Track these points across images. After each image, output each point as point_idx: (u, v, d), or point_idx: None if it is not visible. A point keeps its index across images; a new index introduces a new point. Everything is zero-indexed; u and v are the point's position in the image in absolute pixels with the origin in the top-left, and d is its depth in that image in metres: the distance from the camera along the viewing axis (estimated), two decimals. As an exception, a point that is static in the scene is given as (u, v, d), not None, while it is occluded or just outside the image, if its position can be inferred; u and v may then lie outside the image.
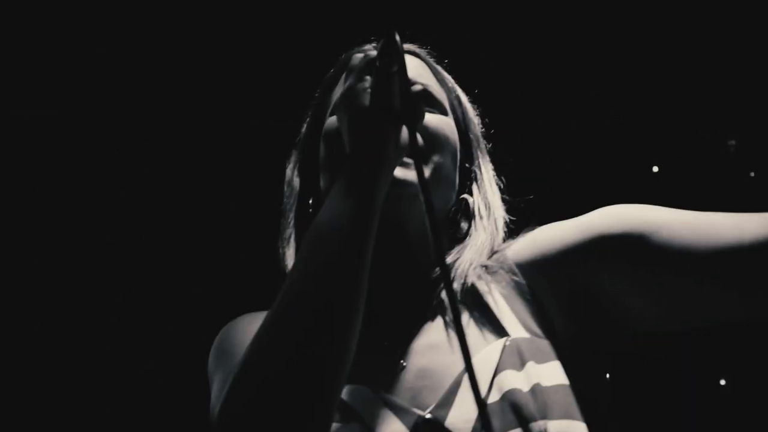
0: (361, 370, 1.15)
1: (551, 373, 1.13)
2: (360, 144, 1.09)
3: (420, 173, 1.00)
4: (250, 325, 1.18)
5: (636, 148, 3.79)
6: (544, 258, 1.25)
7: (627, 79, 3.63)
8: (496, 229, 1.35)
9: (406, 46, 1.39)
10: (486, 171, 1.40)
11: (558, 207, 1.32)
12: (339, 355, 1.01)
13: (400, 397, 1.16)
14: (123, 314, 3.97)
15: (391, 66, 1.08)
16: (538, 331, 1.19)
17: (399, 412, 1.13)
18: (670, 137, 3.75)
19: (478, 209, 1.35)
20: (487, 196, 1.37)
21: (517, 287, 1.24)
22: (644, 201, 1.22)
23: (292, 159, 1.42)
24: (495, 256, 1.31)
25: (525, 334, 1.18)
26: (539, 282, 1.24)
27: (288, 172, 1.41)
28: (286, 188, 1.40)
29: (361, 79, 1.10)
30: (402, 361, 1.20)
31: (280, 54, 3.49)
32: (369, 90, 1.09)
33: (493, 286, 1.25)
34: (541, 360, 1.14)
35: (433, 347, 1.21)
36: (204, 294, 3.85)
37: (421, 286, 1.28)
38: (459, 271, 1.26)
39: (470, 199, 1.35)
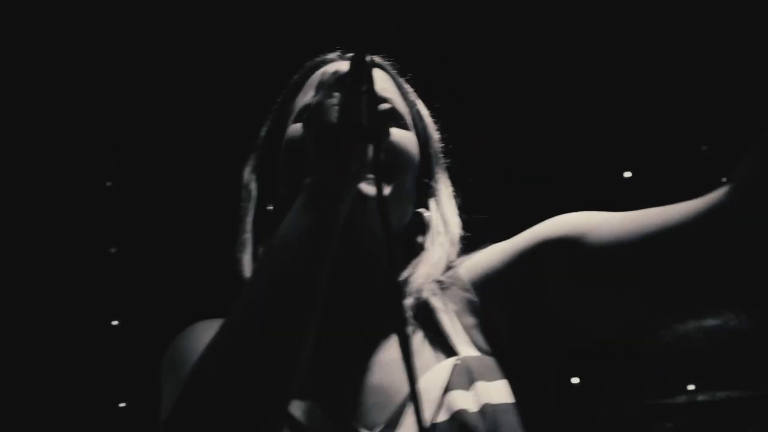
0: (314, 386, 1.16)
1: (499, 392, 1.13)
2: (325, 160, 1.10)
3: (380, 193, 1.02)
4: (205, 333, 1.19)
5: (602, 157, 3.75)
6: (492, 273, 1.25)
7: (589, 93, 3.60)
8: (452, 244, 1.35)
9: (375, 58, 1.39)
10: (444, 187, 1.40)
11: (516, 224, 1.32)
12: (290, 370, 1.02)
13: (349, 415, 1.16)
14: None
15: (360, 85, 1.09)
16: (487, 348, 1.19)
17: (346, 430, 1.14)
18: (639, 144, 3.70)
19: (435, 224, 1.35)
20: (444, 212, 1.37)
21: (469, 304, 1.25)
22: (611, 209, 1.21)
23: (250, 163, 1.42)
24: (449, 273, 1.31)
25: (475, 353, 1.18)
26: (489, 298, 1.24)
27: (245, 175, 1.41)
28: (242, 192, 1.40)
29: (330, 95, 1.11)
30: (354, 378, 1.20)
31: (241, 59, 3.54)
32: (337, 107, 1.10)
33: (445, 302, 1.25)
34: (489, 378, 1.14)
35: (386, 365, 1.21)
36: (161, 299, 3.88)
37: (377, 302, 1.28)
38: (413, 286, 1.27)
39: (427, 214, 1.36)
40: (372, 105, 1.08)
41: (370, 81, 1.08)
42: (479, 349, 1.19)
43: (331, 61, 1.41)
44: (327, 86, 1.13)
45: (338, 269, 1.12)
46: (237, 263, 1.35)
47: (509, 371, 1.17)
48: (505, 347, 1.20)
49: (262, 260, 1.11)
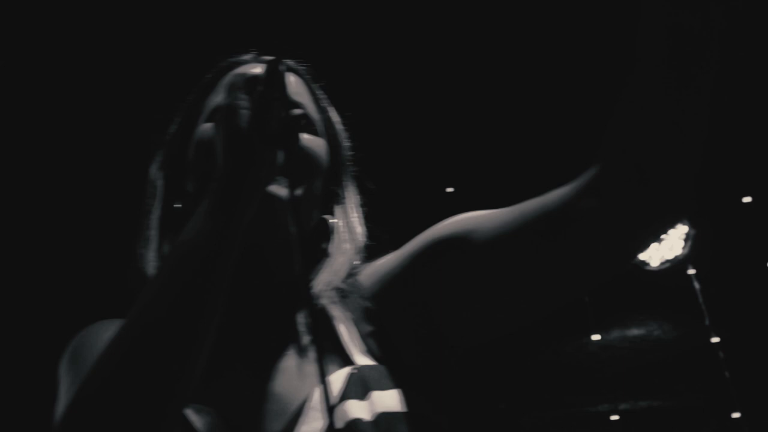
0: (213, 393, 1.15)
1: (393, 402, 1.13)
2: (233, 164, 1.09)
3: (293, 197, 1.03)
4: (104, 333, 1.18)
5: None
6: (387, 279, 1.27)
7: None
8: (355, 252, 1.35)
9: (286, 62, 1.39)
10: (350, 194, 1.40)
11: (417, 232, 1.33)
12: (185, 374, 1.00)
13: (246, 422, 1.15)
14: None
15: (273, 92, 1.09)
16: (382, 357, 1.20)
17: None
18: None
19: (339, 231, 1.35)
20: (349, 219, 1.37)
21: (367, 312, 1.26)
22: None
23: (157, 160, 1.41)
24: (349, 280, 1.31)
25: (370, 362, 1.18)
26: (385, 304, 1.25)
27: (152, 172, 1.40)
28: (149, 189, 1.39)
29: (242, 99, 1.10)
30: (253, 385, 1.20)
31: (154, 57, 3.51)
32: (248, 111, 1.09)
33: (344, 310, 1.26)
34: (384, 387, 1.14)
35: (283, 371, 1.21)
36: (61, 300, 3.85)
37: (278, 308, 1.28)
38: (313, 292, 1.27)
39: (332, 221, 1.36)
40: (284, 111, 1.08)
41: (282, 89, 1.08)
42: (375, 357, 1.19)
43: (246, 62, 1.40)
44: (239, 89, 1.12)
45: (239, 275, 1.12)
46: (140, 260, 1.34)
47: (406, 379, 1.17)
48: (401, 355, 1.21)
49: (164, 262, 1.09)
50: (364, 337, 1.22)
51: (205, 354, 1.02)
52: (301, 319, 1.27)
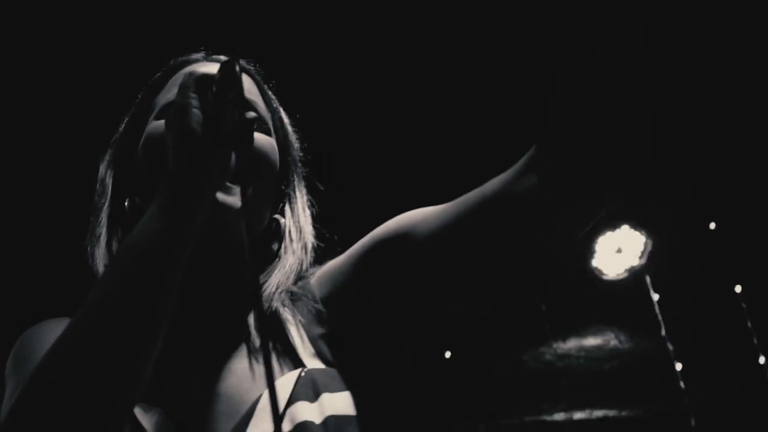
0: (163, 391, 1.15)
1: (344, 404, 1.14)
2: (184, 164, 1.08)
3: (245, 203, 1.03)
4: (52, 332, 1.17)
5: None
6: (335, 281, 1.27)
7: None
8: (305, 253, 1.35)
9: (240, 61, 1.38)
10: (300, 195, 1.40)
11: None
12: (132, 374, 1.00)
13: (195, 422, 1.15)
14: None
15: (227, 93, 1.08)
16: (333, 360, 1.20)
17: None
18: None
19: (289, 232, 1.35)
20: (299, 220, 1.37)
21: (317, 315, 1.25)
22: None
23: (106, 157, 1.40)
24: (300, 283, 1.31)
25: (320, 365, 1.18)
26: (334, 306, 1.25)
27: (101, 169, 1.39)
28: (98, 186, 1.38)
29: (195, 98, 1.09)
30: (203, 387, 1.19)
31: (99, 54, 3.49)
32: (199, 111, 1.08)
33: (294, 313, 1.25)
34: (334, 390, 1.15)
35: (233, 373, 1.21)
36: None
37: (229, 310, 1.28)
38: (264, 295, 1.26)
39: (282, 221, 1.35)
40: (238, 113, 1.07)
41: (239, 90, 1.07)
42: (325, 360, 1.20)
43: (196, 60, 1.40)
44: (192, 88, 1.11)
45: (190, 277, 1.11)
46: (90, 257, 1.33)
47: (357, 382, 1.17)
48: (352, 357, 1.21)
49: (114, 261, 1.09)
50: (315, 341, 1.22)
51: (155, 355, 1.02)
52: (252, 321, 1.26)
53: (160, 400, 1.15)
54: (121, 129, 1.41)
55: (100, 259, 1.31)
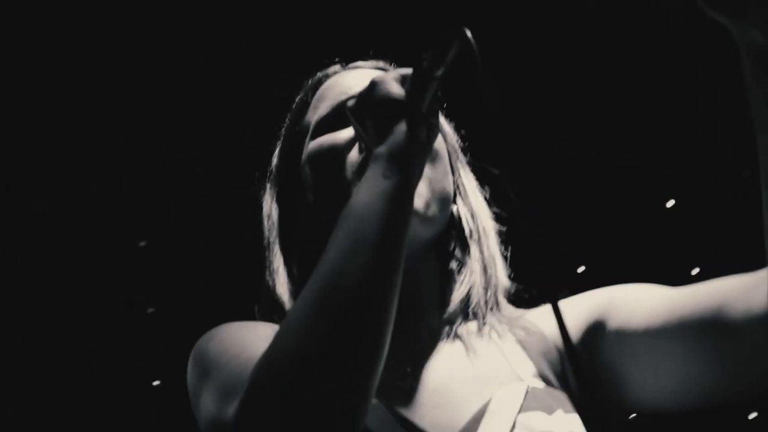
0: (381, 387, 1.08)
1: (578, 425, 1.09)
2: (391, 128, 1.05)
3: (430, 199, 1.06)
4: (240, 334, 1.13)
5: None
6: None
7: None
8: (487, 238, 1.30)
9: (378, 63, 1.39)
10: (468, 181, 1.37)
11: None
12: (379, 336, 0.94)
13: (419, 420, 1.10)
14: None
15: (437, 70, 1.04)
16: (556, 383, 1.15)
17: None
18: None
19: (466, 221, 1.31)
20: (472, 207, 1.33)
21: (539, 338, 1.21)
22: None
23: (267, 192, 1.38)
24: (521, 314, 1.27)
25: (542, 385, 1.13)
26: (560, 346, 1.19)
27: (265, 206, 1.37)
28: (265, 222, 1.36)
29: (389, 76, 1.09)
30: (420, 383, 1.15)
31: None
32: (398, 80, 1.08)
33: (511, 330, 1.22)
34: (566, 410, 1.09)
35: (451, 373, 1.17)
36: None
37: (434, 311, 1.25)
38: (475, 303, 1.24)
39: (455, 210, 1.31)
40: (436, 95, 1.06)
41: (447, 68, 1.04)
42: (547, 382, 1.15)
43: (335, 73, 1.38)
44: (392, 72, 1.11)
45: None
46: (272, 292, 1.29)
47: (580, 412, 1.11)
48: (571, 389, 1.15)
49: (339, 230, 1.00)
50: (536, 360, 1.17)
51: (393, 317, 0.97)
52: (465, 328, 1.23)
53: (379, 395, 1.09)
54: (275, 161, 1.40)
55: (284, 291, 1.27)
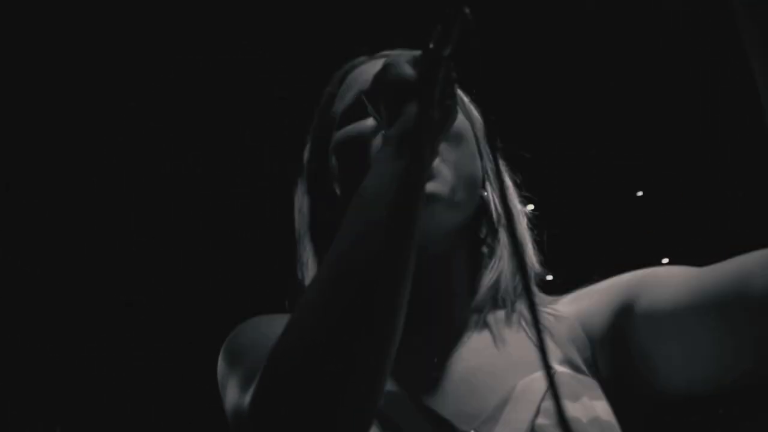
0: (400, 374, 1.10)
1: (605, 413, 1.07)
2: (403, 110, 1.02)
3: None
4: (268, 326, 1.12)
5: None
6: (592, 316, 1.19)
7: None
8: (517, 224, 1.28)
9: (405, 52, 1.32)
10: (495, 167, 1.31)
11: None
12: (389, 322, 0.92)
13: (441, 408, 1.09)
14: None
15: (444, 49, 1.01)
16: (585, 369, 1.13)
17: (441, 425, 1.07)
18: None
19: (495, 206, 1.28)
20: (498, 191, 1.29)
21: (567, 324, 1.19)
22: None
23: (299, 187, 1.37)
24: (550, 301, 1.25)
25: (570, 371, 1.12)
26: (591, 332, 1.18)
27: (297, 201, 1.36)
28: (297, 216, 1.35)
29: (401, 58, 1.07)
30: (445, 370, 1.14)
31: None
32: (410, 61, 1.05)
33: (541, 316, 1.20)
34: (592, 397, 1.08)
35: (477, 362, 1.15)
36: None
37: (463, 299, 1.23)
38: (503, 289, 1.23)
39: (485, 195, 1.28)
40: (451, 76, 1.03)
41: (455, 46, 1.00)
42: (575, 368, 1.13)
43: (361, 63, 1.36)
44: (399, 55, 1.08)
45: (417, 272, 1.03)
46: (302, 285, 1.29)
47: (609, 397, 1.11)
48: (600, 375, 1.15)
49: (350, 214, 0.99)
50: (564, 347, 1.16)
51: (407, 300, 0.95)
52: (492, 316, 1.22)
53: (397, 382, 1.10)
54: (306, 155, 1.37)
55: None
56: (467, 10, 0.97)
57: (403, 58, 1.07)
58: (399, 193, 0.97)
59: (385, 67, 1.07)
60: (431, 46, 1.02)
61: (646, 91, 4.06)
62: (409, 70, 1.04)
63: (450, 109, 1.07)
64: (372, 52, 1.36)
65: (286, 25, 3.57)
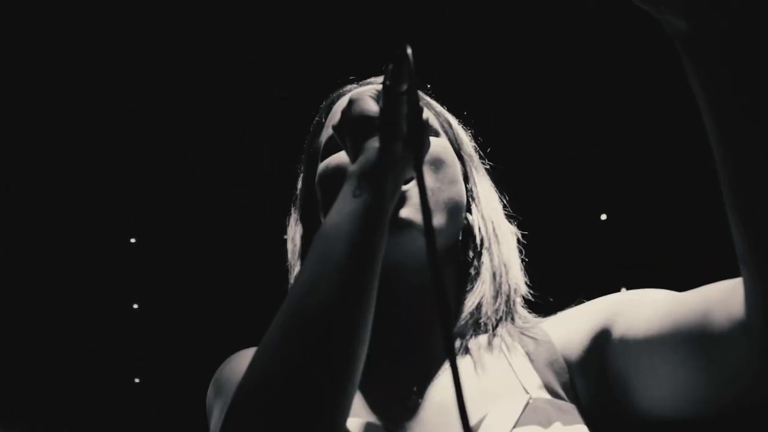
0: (377, 405, 1.12)
1: None
2: (364, 146, 1.04)
3: (426, 209, 0.89)
4: (250, 357, 1.12)
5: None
6: (571, 340, 1.18)
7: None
8: (498, 244, 1.28)
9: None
10: (483, 188, 1.33)
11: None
12: (347, 356, 0.93)
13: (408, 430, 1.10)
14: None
15: (400, 85, 1.02)
16: (562, 394, 1.13)
17: None
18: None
19: (479, 229, 1.28)
20: (483, 214, 1.30)
21: (547, 348, 1.19)
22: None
23: (292, 216, 1.38)
24: (532, 324, 1.25)
25: (548, 396, 1.11)
26: (569, 355, 1.17)
27: (289, 230, 1.37)
28: (288, 245, 1.35)
29: (365, 93, 1.08)
30: (425, 401, 1.14)
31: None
32: (375, 96, 1.07)
33: (523, 342, 1.20)
34: (567, 422, 1.06)
35: (443, 391, 1.15)
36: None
37: (432, 326, 1.22)
38: (484, 313, 1.22)
39: (470, 218, 1.29)
40: (414, 111, 1.00)
41: (411, 81, 0.99)
42: (553, 393, 1.12)
43: (347, 92, 1.35)
44: (360, 90, 1.10)
45: (390, 304, 1.07)
46: None
47: (588, 422, 1.09)
48: (579, 400, 1.14)
49: (311, 253, 1.01)
50: (542, 372, 1.15)
51: (367, 339, 0.96)
52: (470, 341, 1.22)
53: (377, 415, 1.12)
54: (299, 185, 1.39)
55: None
56: (409, 50, 0.97)
57: (368, 93, 1.08)
58: (357, 231, 0.97)
59: (350, 103, 1.09)
60: (387, 83, 1.04)
61: (646, 91, 4.05)
62: (373, 106, 1.06)
63: (421, 141, 1.07)
64: (372, 52, 1.34)
65: (286, 26, 3.57)
